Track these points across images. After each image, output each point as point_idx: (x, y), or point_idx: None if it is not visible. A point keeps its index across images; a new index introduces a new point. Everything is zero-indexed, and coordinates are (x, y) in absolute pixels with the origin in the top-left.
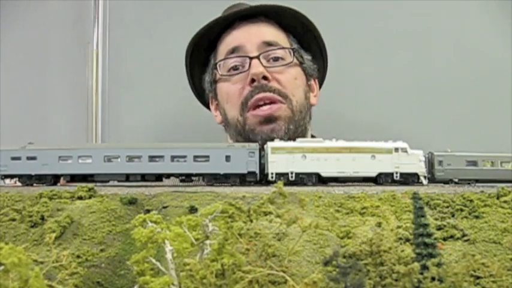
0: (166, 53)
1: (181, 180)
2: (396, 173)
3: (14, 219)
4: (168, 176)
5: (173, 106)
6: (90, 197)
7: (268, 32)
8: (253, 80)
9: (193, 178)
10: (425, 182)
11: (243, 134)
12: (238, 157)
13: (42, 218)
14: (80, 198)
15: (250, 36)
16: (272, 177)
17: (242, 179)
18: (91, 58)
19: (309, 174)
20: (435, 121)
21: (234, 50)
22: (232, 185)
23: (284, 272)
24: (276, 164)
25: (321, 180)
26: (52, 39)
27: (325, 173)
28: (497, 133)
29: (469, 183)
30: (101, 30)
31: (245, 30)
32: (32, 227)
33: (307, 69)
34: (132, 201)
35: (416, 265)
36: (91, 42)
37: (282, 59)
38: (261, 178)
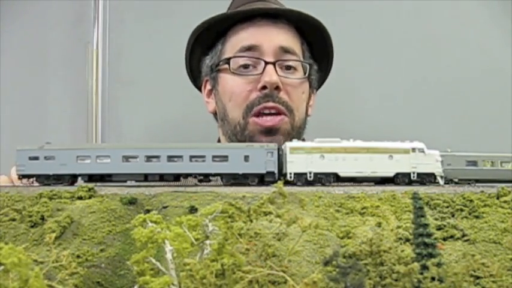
0: (166, 52)
1: (200, 180)
2: (413, 173)
3: (14, 219)
4: (187, 176)
5: (173, 106)
6: (90, 197)
7: (287, 37)
8: (264, 87)
9: (211, 178)
10: (441, 182)
11: (239, 136)
12: (257, 157)
13: (42, 218)
14: (80, 198)
15: (268, 38)
16: (290, 177)
17: (260, 179)
18: (91, 58)
19: (327, 174)
20: (435, 121)
21: (249, 48)
22: (250, 185)
23: (284, 272)
24: (295, 164)
25: (339, 180)
26: (52, 39)
27: (343, 173)
28: (497, 133)
29: (469, 183)
30: (101, 30)
31: (264, 30)
32: (32, 227)
33: (312, 82)
34: (132, 201)
35: (416, 265)
36: (91, 42)
37: (295, 68)
38: (279, 178)
